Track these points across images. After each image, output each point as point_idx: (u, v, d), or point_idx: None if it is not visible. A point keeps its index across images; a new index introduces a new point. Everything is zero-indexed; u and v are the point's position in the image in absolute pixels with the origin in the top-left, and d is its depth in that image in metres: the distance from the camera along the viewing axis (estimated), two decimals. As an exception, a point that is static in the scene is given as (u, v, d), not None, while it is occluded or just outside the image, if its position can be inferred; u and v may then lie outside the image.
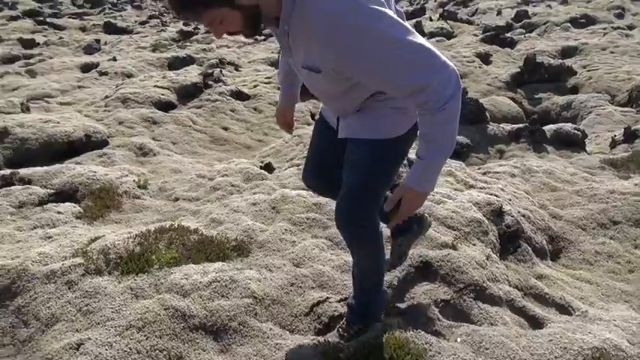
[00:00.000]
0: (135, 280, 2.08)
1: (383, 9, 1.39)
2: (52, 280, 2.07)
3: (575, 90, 7.99)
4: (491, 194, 3.28)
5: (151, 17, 20.24)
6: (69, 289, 2.03)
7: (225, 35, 1.57)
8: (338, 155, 1.91)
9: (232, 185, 3.53)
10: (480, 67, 9.05)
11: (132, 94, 6.25)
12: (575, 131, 5.06)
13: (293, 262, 2.40)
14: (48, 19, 17.52)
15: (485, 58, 9.48)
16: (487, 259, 2.48)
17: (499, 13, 17.37)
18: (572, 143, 5.08)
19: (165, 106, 6.25)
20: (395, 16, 1.42)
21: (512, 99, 7.79)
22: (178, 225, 2.61)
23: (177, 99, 6.55)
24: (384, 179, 1.80)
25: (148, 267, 2.16)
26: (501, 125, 5.39)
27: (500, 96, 7.81)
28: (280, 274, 2.27)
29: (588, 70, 8.41)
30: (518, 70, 8.31)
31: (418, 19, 15.44)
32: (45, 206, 2.95)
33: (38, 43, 13.06)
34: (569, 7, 17.06)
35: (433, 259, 2.36)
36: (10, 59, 11.21)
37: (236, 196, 3.35)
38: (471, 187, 3.51)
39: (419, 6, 21.93)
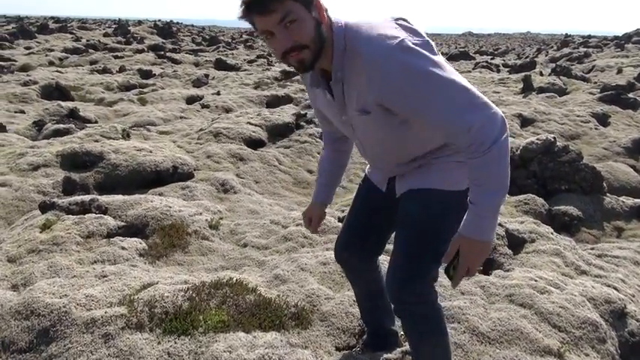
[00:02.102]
0: (175, 343, 1.84)
1: (428, 52, 1.42)
2: (90, 329, 1.90)
3: None
4: (609, 285, 2.70)
5: (259, 57, 21.34)
6: (105, 343, 1.84)
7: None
8: (382, 226, 1.85)
9: (305, 237, 3.26)
10: (595, 129, 8.19)
11: (225, 128, 6.34)
12: None
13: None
14: (167, 54, 19.08)
15: (602, 119, 8.59)
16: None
17: (619, 71, 16.02)
18: None
19: (255, 144, 6.25)
20: (441, 58, 1.44)
21: (633, 167, 6.88)
22: (236, 280, 2.36)
23: (268, 137, 6.54)
24: (447, 240, 1.55)
25: (193, 329, 1.92)
26: (621, 198, 4.66)
27: (619, 162, 6.94)
28: (340, 361, 1.92)
29: None
30: (643, 135, 7.36)
31: (527, 72, 14.62)
32: (112, 239, 2.86)
33: (154, 74, 14.14)
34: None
35: (532, 369, 1.88)
36: (128, 87, 12.19)
37: (307, 249, 3.07)
38: (583, 272, 2.93)
39: (528, 59, 20.98)
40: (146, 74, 13.92)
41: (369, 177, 1.91)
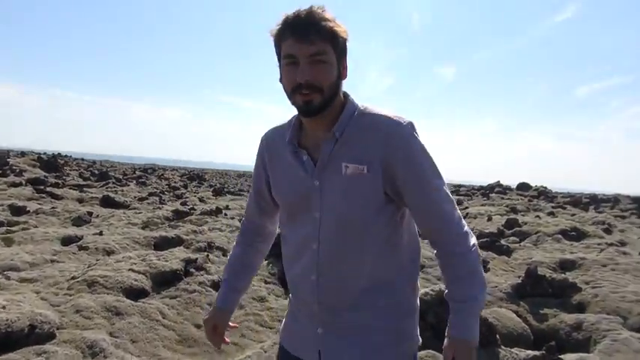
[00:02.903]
0: None
1: None
2: None
3: (581, 307, 7.45)
4: None
5: (151, 194, 20.73)
6: None
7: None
8: None
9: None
10: (478, 274, 8.64)
11: (101, 276, 5.67)
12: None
13: None
14: (48, 188, 17.81)
15: (483, 265, 9.15)
16: None
17: (489, 219, 17.80)
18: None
19: (136, 294, 5.60)
20: None
21: (516, 312, 7.19)
22: None
23: (152, 286, 5.94)
24: None
25: None
26: (514, 350, 4.70)
27: (503, 308, 7.23)
28: None
29: (593, 287, 7.99)
30: (520, 281, 7.88)
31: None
32: None
33: (28, 211, 12.90)
34: (557, 219, 17.56)
35: None
36: (-7, 225, 10.85)
37: None
38: None
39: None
40: (18, 210, 12.66)
41: (286, 347, 1.65)
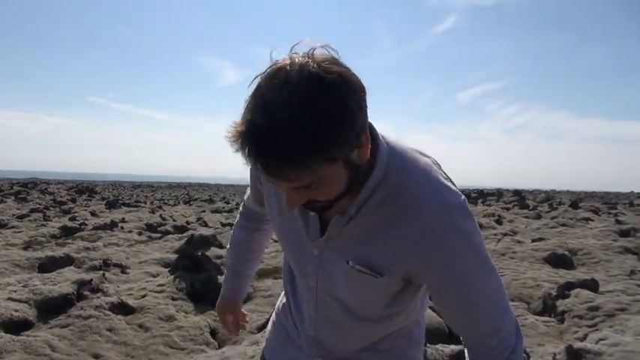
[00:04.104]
0: None
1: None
2: None
3: (488, 296, 7.80)
4: None
5: (33, 210, 18.61)
6: None
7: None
8: None
9: None
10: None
11: (-28, 310, 4.76)
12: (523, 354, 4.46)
13: None
14: None
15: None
16: None
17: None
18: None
19: (18, 327, 4.78)
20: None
21: (430, 307, 7.34)
22: None
23: (37, 315, 5.12)
24: None
25: None
26: (438, 347, 4.67)
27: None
28: None
29: (496, 276, 8.41)
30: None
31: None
32: None
33: None
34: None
35: None
36: None
37: None
38: None
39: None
40: None
41: None
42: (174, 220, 16.76)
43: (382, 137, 1.10)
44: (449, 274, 1.08)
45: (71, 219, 15.89)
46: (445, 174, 1.14)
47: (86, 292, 5.61)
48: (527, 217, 19.58)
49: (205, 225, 15.65)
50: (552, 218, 18.16)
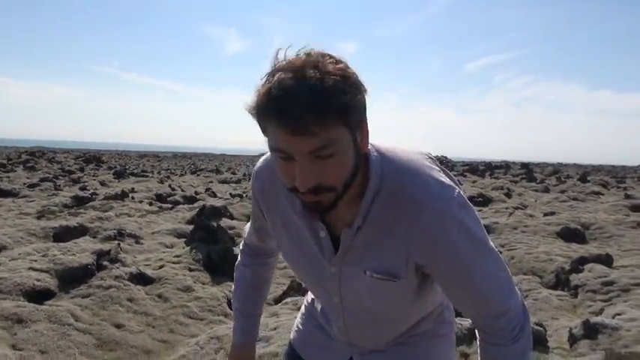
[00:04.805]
0: None
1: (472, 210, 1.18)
2: None
3: (500, 270, 7.84)
4: None
5: (43, 180, 18.72)
6: None
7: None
8: None
9: None
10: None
11: (-5, 279, 4.82)
12: (538, 327, 4.50)
13: None
14: None
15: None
16: None
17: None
18: (536, 342, 4.47)
19: (40, 296, 4.85)
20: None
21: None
22: None
23: (59, 285, 5.18)
24: None
25: None
26: (457, 320, 4.71)
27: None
28: None
29: (508, 250, 8.43)
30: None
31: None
32: None
33: None
34: (462, 186, 18.61)
35: None
36: None
37: None
38: None
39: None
40: None
41: (302, 355, 1.54)
42: (182, 191, 16.83)
43: (371, 146, 1.14)
44: (453, 266, 1.15)
45: (81, 188, 16.00)
46: (439, 166, 1.21)
47: (105, 263, 5.66)
48: (535, 190, 19.53)
49: (214, 195, 15.70)
50: (562, 192, 18.10)
